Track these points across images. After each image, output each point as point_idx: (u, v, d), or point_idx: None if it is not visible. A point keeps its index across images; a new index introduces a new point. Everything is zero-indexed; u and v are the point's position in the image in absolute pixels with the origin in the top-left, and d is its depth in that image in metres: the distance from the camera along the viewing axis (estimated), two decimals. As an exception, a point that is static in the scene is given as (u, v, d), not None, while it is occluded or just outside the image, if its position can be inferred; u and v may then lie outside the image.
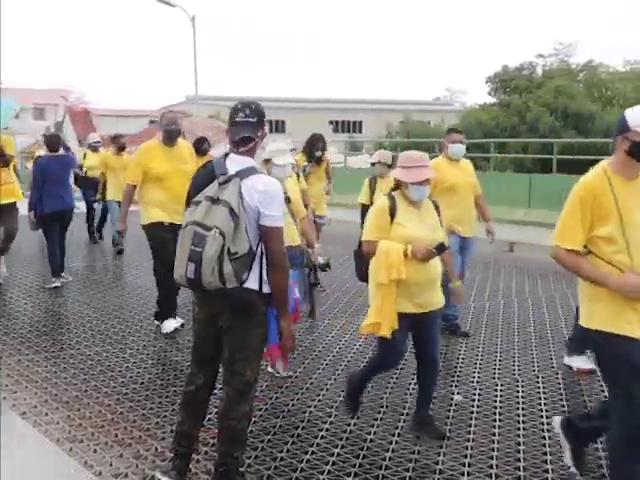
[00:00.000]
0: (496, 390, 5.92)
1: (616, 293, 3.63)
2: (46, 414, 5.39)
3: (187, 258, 3.76)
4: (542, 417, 5.35)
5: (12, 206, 9.50)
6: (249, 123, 3.98)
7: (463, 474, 4.47)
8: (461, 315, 7.85)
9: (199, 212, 3.80)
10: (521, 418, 5.33)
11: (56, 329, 7.76)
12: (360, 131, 58.39)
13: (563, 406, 5.57)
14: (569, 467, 4.38)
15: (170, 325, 7.51)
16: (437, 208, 5.06)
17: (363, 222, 8.52)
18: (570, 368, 6.36)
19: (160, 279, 7.49)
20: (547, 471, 4.50)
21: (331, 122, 60.36)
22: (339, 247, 11.23)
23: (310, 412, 5.46)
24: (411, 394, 5.81)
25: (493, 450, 4.80)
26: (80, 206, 14.70)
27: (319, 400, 5.70)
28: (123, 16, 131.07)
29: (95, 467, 4.53)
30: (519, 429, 5.13)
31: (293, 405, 5.60)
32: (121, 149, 12.73)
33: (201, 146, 10.18)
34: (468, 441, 4.93)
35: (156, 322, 7.75)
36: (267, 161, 6.15)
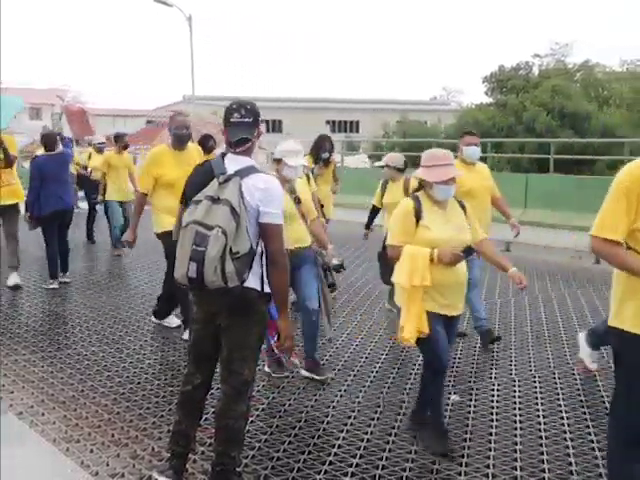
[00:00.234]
0: (493, 390, 5.92)
1: None
2: (43, 414, 5.39)
3: (189, 258, 3.76)
4: (539, 417, 5.36)
5: (15, 208, 9.45)
6: (245, 123, 3.98)
7: (460, 474, 4.47)
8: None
9: (200, 211, 3.79)
10: (518, 418, 5.33)
11: (53, 329, 7.75)
12: (357, 131, 58.41)
13: (560, 405, 5.57)
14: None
15: (175, 320, 7.64)
16: (463, 207, 4.91)
17: (369, 222, 8.56)
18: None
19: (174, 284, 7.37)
20: (544, 471, 4.50)
21: (328, 122, 60.32)
22: (338, 247, 11.22)
23: (307, 412, 5.46)
24: (408, 394, 5.82)
25: (490, 450, 4.80)
26: (82, 206, 14.69)
27: (316, 400, 5.70)
28: (120, 16, 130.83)
29: (92, 467, 4.53)
30: (516, 429, 5.14)
31: (290, 405, 5.60)
32: (124, 148, 12.74)
33: (207, 143, 10.06)
34: (465, 441, 4.93)
35: (154, 320, 7.76)
36: (278, 161, 6.01)
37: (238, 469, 4.19)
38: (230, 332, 3.97)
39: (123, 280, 10.58)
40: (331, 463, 4.60)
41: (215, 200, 3.79)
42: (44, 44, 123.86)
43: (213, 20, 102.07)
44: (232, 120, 3.98)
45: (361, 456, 4.70)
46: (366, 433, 5.07)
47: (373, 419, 5.30)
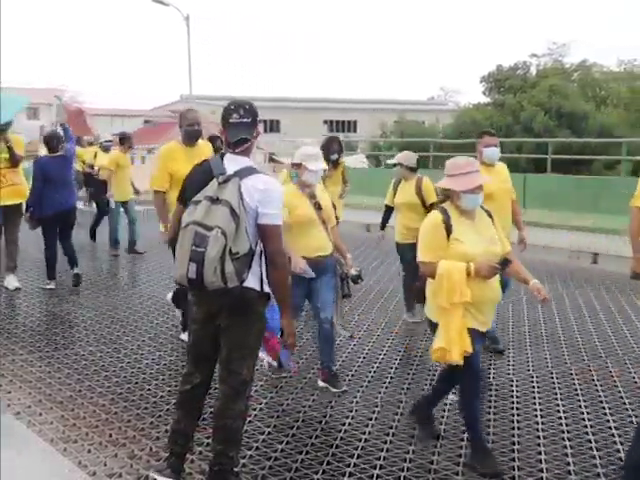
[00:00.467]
0: (490, 390, 5.92)
1: None
2: (40, 414, 5.38)
3: (188, 258, 3.75)
4: (537, 417, 5.36)
5: (18, 208, 9.38)
6: (244, 124, 3.98)
7: (457, 473, 4.48)
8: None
9: (199, 212, 3.79)
10: (516, 418, 5.33)
11: (50, 329, 7.74)
12: (355, 131, 58.36)
13: (557, 405, 5.58)
14: None
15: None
16: (491, 216, 4.70)
17: (383, 222, 8.35)
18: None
19: None
20: (542, 470, 4.51)
21: (326, 122, 60.29)
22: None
23: (305, 412, 5.45)
24: (406, 394, 5.82)
25: (488, 449, 4.80)
26: (83, 207, 14.52)
27: (314, 400, 5.70)
28: (117, 15, 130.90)
29: (89, 467, 4.53)
30: (514, 428, 5.14)
31: (288, 405, 5.59)
32: (130, 148, 12.72)
33: (215, 143, 10.00)
34: (463, 440, 4.93)
35: (182, 336, 7.13)
36: (297, 165, 5.82)
37: (236, 469, 4.19)
38: (229, 332, 3.97)
39: (121, 280, 10.58)
40: (329, 463, 4.60)
41: (214, 200, 3.79)
42: (42, 44, 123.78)
43: (211, 20, 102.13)
44: (231, 121, 3.98)
45: (359, 456, 4.70)
46: (364, 433, 5.07)
47: (371, 419, 5.30)
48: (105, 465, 4.57)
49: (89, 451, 4.76)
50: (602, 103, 36.66)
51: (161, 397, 5.72)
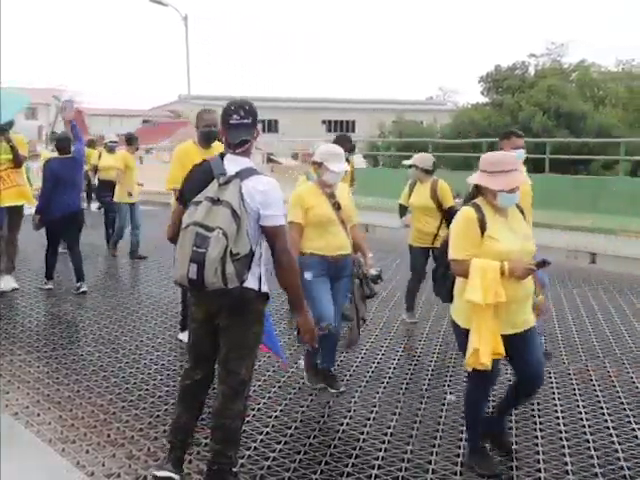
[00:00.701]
0: (489, 389, 5.92)
1: None
2: (38, 414, 5.38)
3: (189, 259, 3.75)
4: (535, 417, 5.36)
5: (20, 209, 9.29)
6: (245, 125, 3.99)
7: (456, 473, 4.47)
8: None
9: (200, 213, 3.79)
10: (514, 417, 5.33)
11: (48, 329, 7.73)
12: (353, 130, 58.28)
13: (555, 405, 5.58)
14: None
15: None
16: (522, 212, 4.55)
17: (401, 215, 8.12)
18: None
19: None
20: (540, 470, 4.51)
21: (324, 121, 60.34)
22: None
23: (303, 412, 5.45)
24: (404, 394, 5.82)
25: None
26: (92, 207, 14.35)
27: (312, 400, 5.69)
28: (115, 16, 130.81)
29: (87, 467, 4.52)
30: (512, 429, 5.13)
31: (286, 405, 5.59)
32: (137, 149, 12.63)
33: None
34: (461, 440, 4.93)
35: (180, 336, 7.16)
36: (318, 164, 5.69)
37: (234, 469, 4.19)
38: (228, 332, 3.98)
39: (120, 280, 10.57)
40: (327, 463, 4.59)
41: (215, 201, 3.79)
42: (40, 44, 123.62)
43: (210, 20, 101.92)
44: (231, 122, 3.98)
45: (357, 456, 4.69)
46: (362, 433, 5.07)
47: (369, 419, 5.30)
48: (103, 465, 4.56)
49: (87, 451, 4.76)
50: (600, 103, 36.65)
51: (159, 397, 5.71)
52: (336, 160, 5.65)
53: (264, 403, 5.60)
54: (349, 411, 5.45)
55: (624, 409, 5.51)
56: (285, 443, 4.89)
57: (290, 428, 5.14)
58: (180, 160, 6.79)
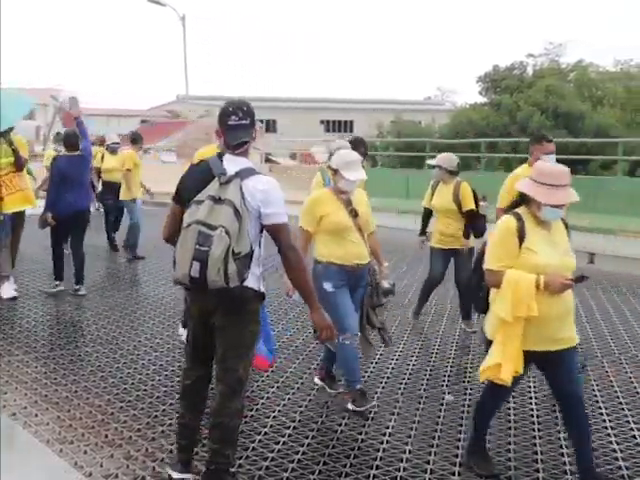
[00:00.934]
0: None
1: None
2: (36, 415, 5.37)
3: (191, 257, 3.76)
4: (533, 416, 5.36)
5: (23, 214, 9.11)
6: (243, 126, 4.00)
7: (454, 474, 4.48)
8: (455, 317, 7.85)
9: (202, 211, 3.80)
10: (512, 417, 5.33)
11: (46, 330, 7.72)
12: (351, 131, 58.24)
13: (554, 405, 5.56)
14: None
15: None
16: (567, 226, 4.34)
17: (423, 226, 7.96)
18: None
19: None
20: (538, 470, 4.51)
21: (322, 121, 60.32)
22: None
23: (301, 412, 5.45)
24: (402, 394, 5.82)
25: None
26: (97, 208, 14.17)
27: (310, 400, 5.69)
28: (113, 16, 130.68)
29: (85, 468, 4.52)
30: (510, 428, 5.14)
31: (284, 405, 5.59)
32: (141, 148, 12.44)
33: None
34: (459, 441, 4.93)
35: (180, 330, 7.15)
36: (333, 171, 5.49)
37: (232, 469, 4.19)
38: (225, 331, 3.99)
39: (117, 281, 10.54)
40: (325, 463, 4.59)
41: (217, 200, 3.81)
42: (38, 44, 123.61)
43: (208, 20, 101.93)
44: (230, 123, 3.99)
45: (355, 456, 4.69)
46: (360, 433, 5.07)
47: (367, 419, 5.29)
48: (101, 466, 4.56)
49: (85, 452, 4.75)
50: (598, 103, 36.64)
51: (157, 398, 5.71)
52: (352, 168, 5.43)
53: (262, 403, 5.60)
54: (347, 411, 5.44)
55: (622, 409, 5.51)
56: (283, 444, 4.89)
57: (288, 428, 5.14)
58: None
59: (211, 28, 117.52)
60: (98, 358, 6.73)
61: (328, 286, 5.37)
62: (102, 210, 13.17)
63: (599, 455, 4.69)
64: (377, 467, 4.54)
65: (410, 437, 4.99)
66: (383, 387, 5.99)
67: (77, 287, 9.27)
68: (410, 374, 6.30)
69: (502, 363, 4.05)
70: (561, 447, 4.83)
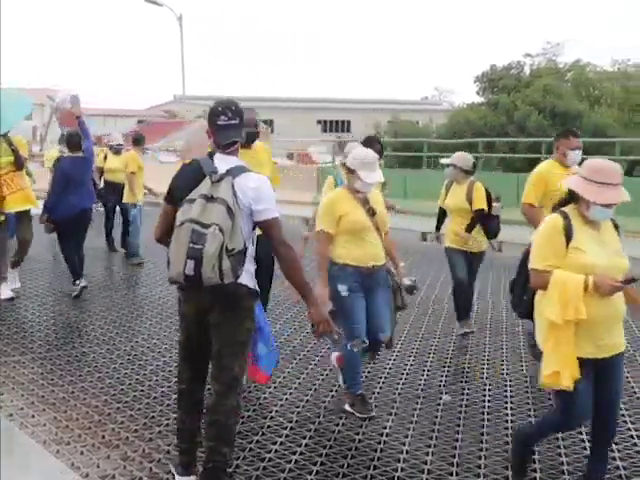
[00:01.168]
0: (484, 390, 5.92)
1: None
2: (32, 416, 5.36)
3: (186, 255, 3.78)
4: (530, 417, 5.36)
5: (27, 214, 9.02)
6: (233, 125, 4.04)
7: (451, 474, 4.47)
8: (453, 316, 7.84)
9: (195, 210, 3.83)
10: (509, 418, 5.33)
11: (43, 330, 7.71)
12: (348, 131, 58.33)
13: (551, 405, 5.57)
14: None
15: None
16: (617, 227, 4.16)
17: (439, 222, 7.84)
18: None
19: None
20: (535, 470, 4.51)
21: (319, 121, 60.32)
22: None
23: (298, 412, 5.44)
24: (400, 394, 5.81)
25: (481, 450, 4.80)
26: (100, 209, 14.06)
27: (307, 400, 5.69)
28: (110, 16, 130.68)
29: (82, 469, 4.51)
30: (507, 429, 5.14)
31: (281, 405, 5.58)
32: (144, 149, 12.31)
33: None
34: (456, 441, 4.93)
35: None
36: (350, 171, 5.36)
37: (229, 470, 4.18)
38: (220, 329, 4.01)
39: (115, 281, 10.54)
40: (322, 464, 4.59)
41: (209, 199, 3.84)
42: (35, 44, 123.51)
43: (205, 20, 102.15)
44: (219, 123, 4.03)
45: (352, 456, 4.69)
46: (357, 433, 5.06)
47: (365, 419, 5.29)
48: (98, 467, 4.55)
49: (82, 453, 4.75)
50: (596, 103, 36.64)
51: (154, 398, 5.70)
52: (370, 169, 5.28)
53: (259, 404, 5.59)
54: (344, 412, 5.43)
55: (619, 408, 5.50)
56: (281, 444, 4.88)
57: (285, 429, 5.13)
58: None
59: (209, 28, 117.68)
60: (95, 359, 6.72)
61: (343, 289, 5.27)
62: (101, 210, 12.99)
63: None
64: (374, 467, 4.54)
65: (407, 437, 4.99)
66: (380, 387, 5.98)
67: (77, 282, 9.19)
68: (407, 374, 6.30)
69: (560, 370, 3.83)
70: (558, 447, 4.83)
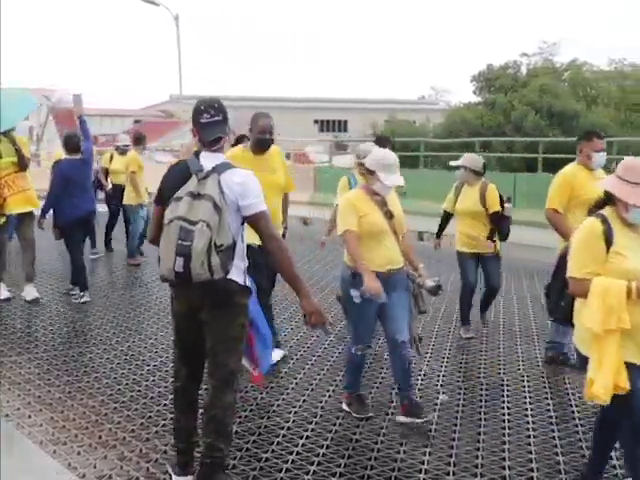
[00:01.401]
0: (481, 389, 5.92)
1: None
2: (29, 416, 5.35)
3: (175, 252, 3.82)
4: (527, 416, 5.36)
5: (29, 216, 8.90)
6: (216, 122, 4.06)
7: (448, 474, 4.47)
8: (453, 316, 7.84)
9: (182, 207, 3.87)
10: (506, 417, 5.33)
11: (39, 330, 7.69)
12: (345, 130, 58.30)
13: (548, 405, 5.58)
14: None
15: (276, 354, 6.33)
16: None
17: (440, 228, 7.64)
18: None
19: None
20: (532, 470, 4.51)
21: (316, 121, 60.25)
22: (326, 247, 11.15)
23: (295, 412, 5.44)
24: (396, 394, 5.80)
25: (478, 450, 4.80)
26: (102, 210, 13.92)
27: (304, 400, 5.68)
28: (108, 16, 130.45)
29: (79, 469, 4.51)
30: (504, 428, 5.14)
31: (278, 405, 5.58)
32: (144, 149, 12.17)
33: (242, 143, 9.25)
34: (453, 440, 4.93)
35: None
36: (369, 172, 5.21)
37: (227, 470, 4.18)
38: (212, 325, 4.03)
39: (110, 281, 10.52)
40: (319, 463, 4.59)
41: (196, 196, 3.88)
42: (32, 44, 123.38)
43: (201, 20, 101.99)
44: (202, 121, 4.06)
45: (349, 456, 4.69)
46: (354, 433, 5.06)
47: (362, 419, 5.29)
48: (95, 467, 4.55)
49: (79, 453, 4.74)
50: (593, 102, 36.68)
51: (151, 398, 5.69)
52: (389, 171, 5.13)
53: (256, 404, 5.59)
54: (341, 411, 5.43)
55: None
56: (277, 444, 4.88)
57: (283, 429, 5.13)
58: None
59: (209, 28, 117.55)
60: (92, 359, 6.71)
61: (356, 295, 5.11)
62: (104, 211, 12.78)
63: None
64: (371, 467, 4.53)
65: (404, 437, 4.98)
66: (377, 387, 5.98)
67: (74, 293, 9.07)
68: (404, 374, 6.29)
69: (594, 379, 3.68)
70: (555, 447, 4.83)
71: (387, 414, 5.39)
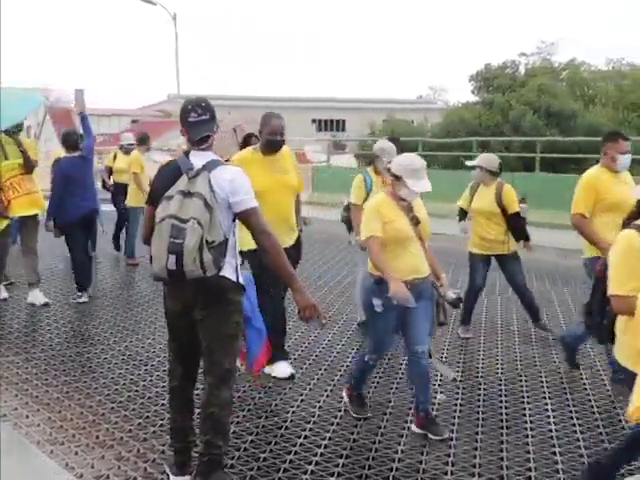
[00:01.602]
0: (479, 389, 5.92)
1: None
2: (27, 416, 5.35)
3: (167, 250, 3.84)
4: (525, 416, 5.36)
5: (34, 220, 8.77)
6: (203, 121, 4.09)
7: (446, 473, 4.47)
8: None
9: (173, 206, 3.90)
10: (504, 417, 5.33)
11: (37, 330, 7.69)
12: (343, 130, 58.32)
13: (546, 404, 5.58)
14: None
15: (286, 369, 6.21)
16: None
17: (461, 217, 7.52)
18: None
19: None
20: (530, 470, 4.50)
21: (314, 121, 60.22)
22: (324, 246, 11.21)
23: (293, 412, 5.44)
24: (394, 394, 5.81)
25: (476, 449, 4.80)
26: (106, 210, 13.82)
27: (302, 400, 5.68)
28: (104, 15, 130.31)
29: (76, 469, 4.50)
30: (502, 428, 5.14)
31: (276, 405, 5.58)
32: (148, 149, 12.11)
33: (249, 142, 9.10)
34: (451, 440, 4.92)
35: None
36: (395, 176, 4.97)
37: (225, 469, 4.18)
38: (207, 324, 4.04)
39: (109, 281, 10.51)
40: (317, 463, 4.58)
41: (187, 194, 3.91)
42: (30, 44, 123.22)
43: (198, 19, 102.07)
44: (190, 120, 4.08)
45: (347, 456, 4.68)
46: (352, 433, 5.06)
47: (360, 419, 5.28)
48: (92, 467, 4.54)
49: (76, 453, 4.74)
50: (590, 102, 36.72)
51: (149, 398, 5.69)
52: (417, 177, 4.88)
53: (254, 404, 5.58)
54: (339, 411, 5.43)
55: (614, 407, 5.51)
56: (275, 444, 4.88)
57: (280, 428, 5.12)
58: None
59: (209, 28, 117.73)
60: (89, 359, 6.70)
61: (377, 304, 4.93)
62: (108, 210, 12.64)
63: (591, 454, 4.68)
64: (369, 467, 4.53)
65: (402, 437, 4.98)
66: (375, 387, 5.98)
67: (79, 293, 8.95)
68: (402, 373, 6.28)
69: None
70: (553, 447, 4.83)
71: (385, 414, 5.39)
